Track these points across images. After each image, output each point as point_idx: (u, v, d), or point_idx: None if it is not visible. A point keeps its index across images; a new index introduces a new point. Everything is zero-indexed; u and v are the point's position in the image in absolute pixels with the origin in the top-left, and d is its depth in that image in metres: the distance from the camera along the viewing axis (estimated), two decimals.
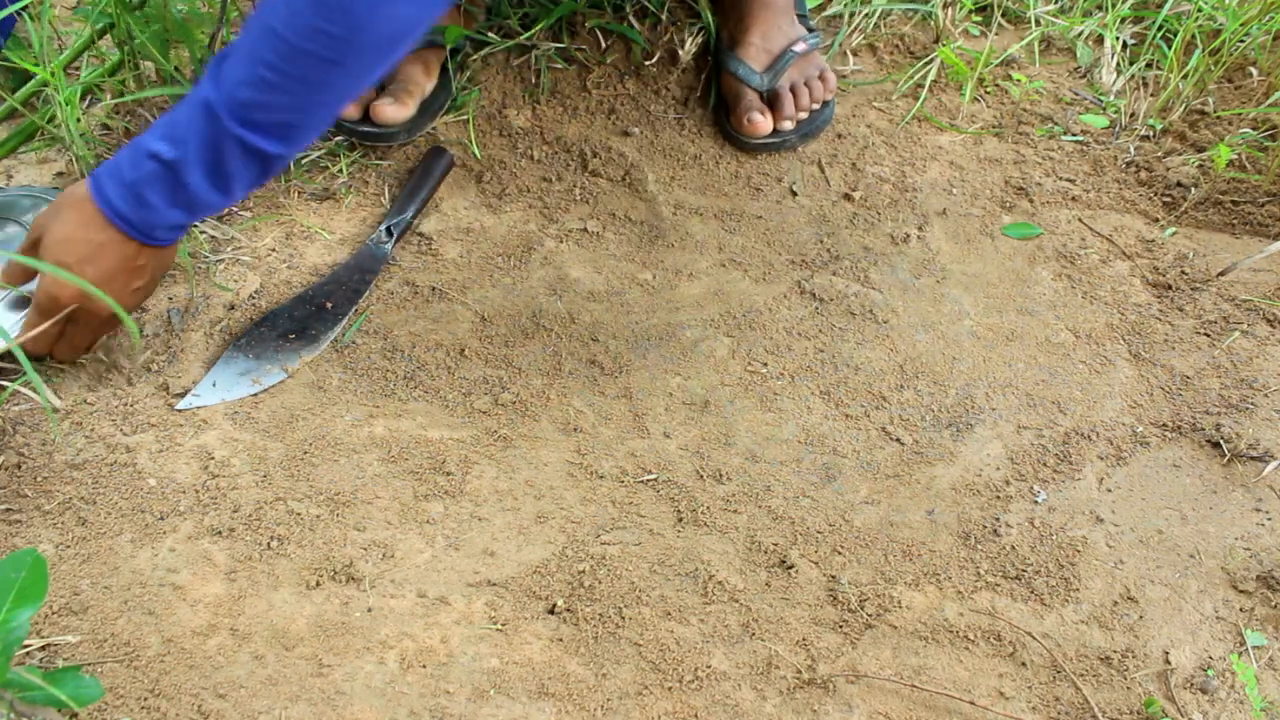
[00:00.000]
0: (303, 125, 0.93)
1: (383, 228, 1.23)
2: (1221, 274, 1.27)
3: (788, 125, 1.38)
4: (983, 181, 1.39)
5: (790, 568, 0.98)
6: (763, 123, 1.36)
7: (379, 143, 1.32)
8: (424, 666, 0.90)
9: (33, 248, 1.01)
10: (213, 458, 1.03)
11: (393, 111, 1.29)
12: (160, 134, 0.94)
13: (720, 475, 1.06)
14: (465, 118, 1.38)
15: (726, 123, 1.40)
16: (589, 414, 1.10)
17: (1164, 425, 1.12)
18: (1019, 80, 1.50)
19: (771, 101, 1.38)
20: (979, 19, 1.61)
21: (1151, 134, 1.46)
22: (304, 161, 1.32)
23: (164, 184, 0.95)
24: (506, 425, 1.08)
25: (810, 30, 1.44)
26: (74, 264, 0.97)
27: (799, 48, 1.39)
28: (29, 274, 1.05)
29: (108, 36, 1.32)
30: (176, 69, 1.37)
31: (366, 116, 1.31)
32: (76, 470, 1.01)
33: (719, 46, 1.44)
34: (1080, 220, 1.34)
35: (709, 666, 0.91)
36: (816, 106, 1.41)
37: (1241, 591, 0.99)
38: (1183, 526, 1.04)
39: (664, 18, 1.46)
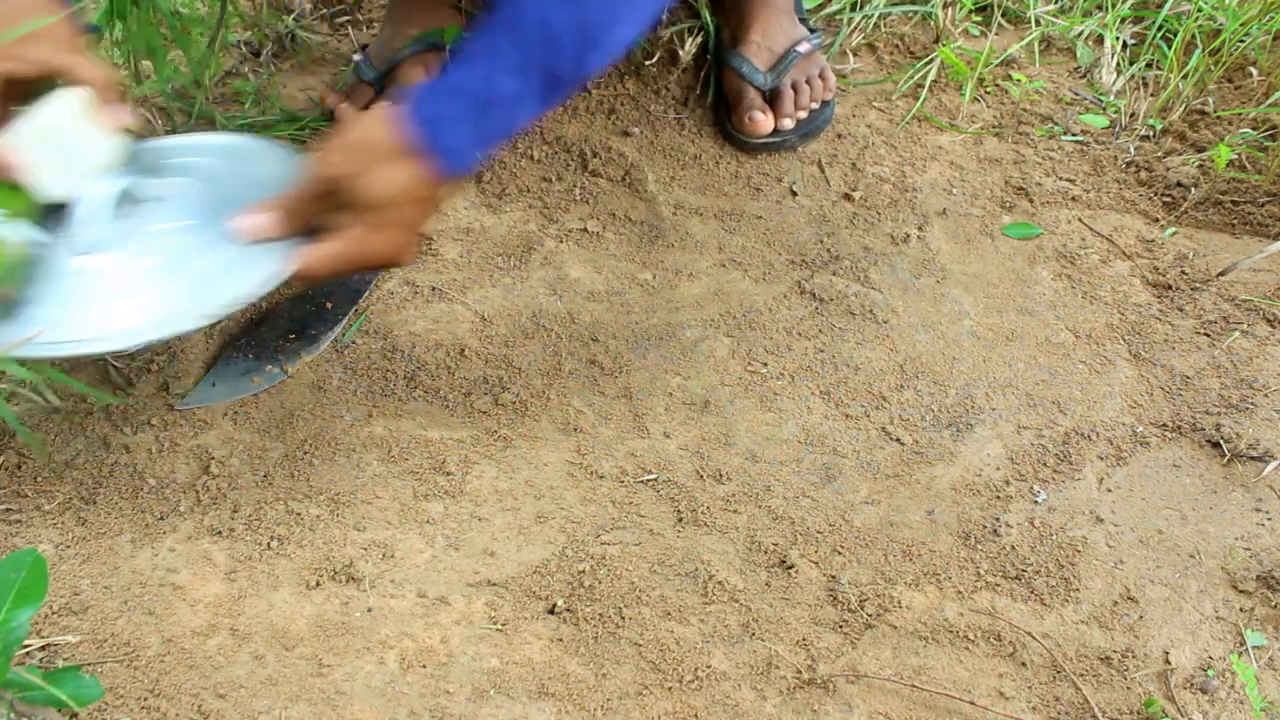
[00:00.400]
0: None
1: None
2: (1221, 274, 1.27)
3: (788, 124, 1.38)
4: (983, 181, 1.39)
5: (790, 568, 0.98)
6: (764, 121, 1.36)
7: None
8: (424, 666, 0.90)
9: (325, 196, 0.89)
10: (212, 457, 1.03)
11: None
12: (507, 70, 0.86)
13: (720, 475, 1.06)
14: None
15: (727, 122, 1.40)
16: (589, 414, 1.10)
17: (1164, 425, 1.12)
18: (1019, 80, 1.50)
19: (773, 100, 1.38)
20: (979, 19, 1.61)
21: (1151, 134, 1.46)
22: None
23: (505, 125, 0.90)
24: (506, 425, 1.08)
25: (811, 30, 1.44)
26: (414, 218, 0.90)
27: (803, 48, 1.39)
28: (304, 219, 0.91)
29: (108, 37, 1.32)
30: (176, 69, 1.37)
31: None
32: (76, 470, 1.01)
33: (720, 45, 1.44)
34: (1080, 220, 1.34)
35: (709, 666, 0.91)
36: (816, 106, 1.41)
37: (1241, 591, 0.99)
38: (1183, 526, 1.04)
39: (664, 17, 1.46)
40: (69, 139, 0.90)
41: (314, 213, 0.90)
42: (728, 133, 1.41)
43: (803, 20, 1.46)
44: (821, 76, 1.42)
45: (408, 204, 0.89)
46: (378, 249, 0.91)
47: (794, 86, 1.40)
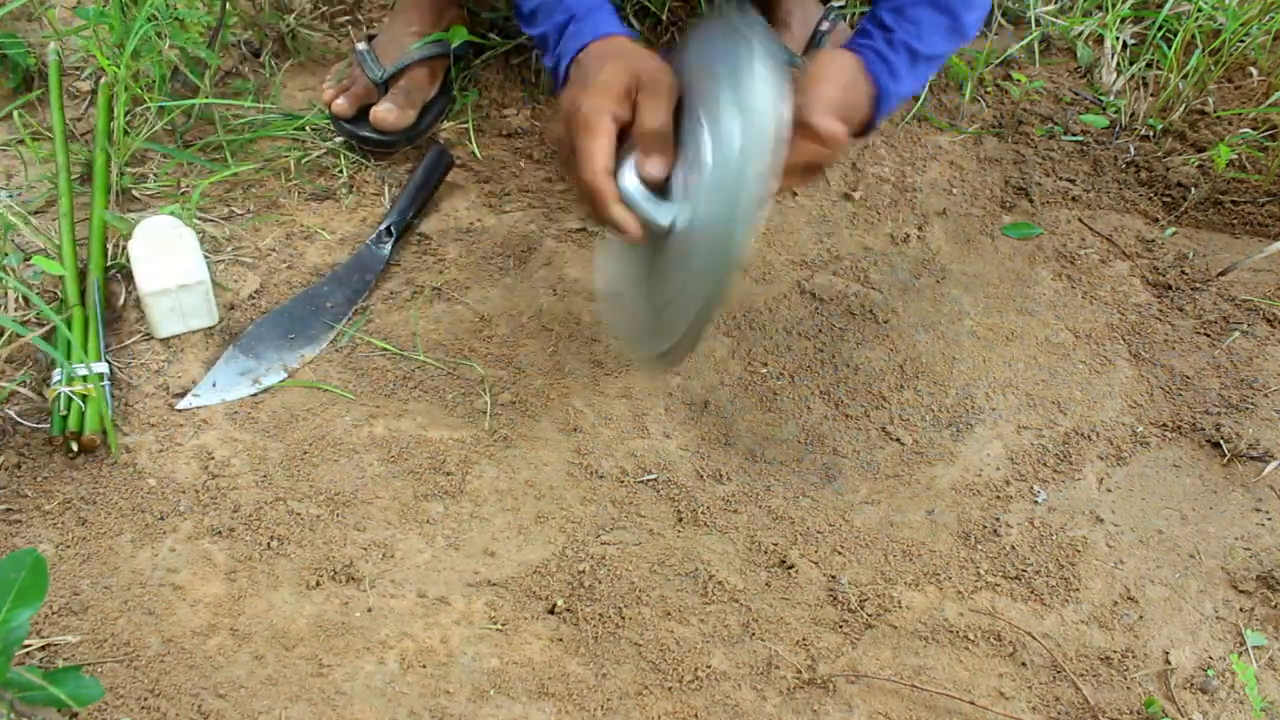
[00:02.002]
0: None
1: (383, 227, 1.23)
2: (1221, 274, 1.27)
3: None
4: (983, 181, 1.39)
5: (790, 568, 0.98)
6: None
7: (379, 149, 1.32)
8: (424, 666, 0.90)
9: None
10: (213, 458, 1.03)
11: (393, 118, 1.29)
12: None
13: (720, 475, 1.06)
14: (465, 118, 1.39)
15: None
16: (589, 414, 1.10)
17: (1164, 425, 1.12)
18: (1019, 80, 1.50)
19: None
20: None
21: (1151, 134, 1.46)
22: (304, 161, 1.32)
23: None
24: (506, 425, 1.08)
25: (826, 4, 1.44)
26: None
27: (824, 26, 1.39)
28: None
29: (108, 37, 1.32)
30: (176, 69, 1.37)
31: (367, 121, 1.31)
32: (76, 470, 1.01)
33: None
34: (1080, 220, 1.34)
35: (709, 666, 0.91)
36: None
37: (1241, 591, 0.99)
38: (1183, 526, 1.04)
39: (664, 17, 1.46)
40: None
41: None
42: None
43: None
44: None
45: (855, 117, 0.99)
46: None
47: None
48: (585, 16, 0.99)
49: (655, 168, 0.89)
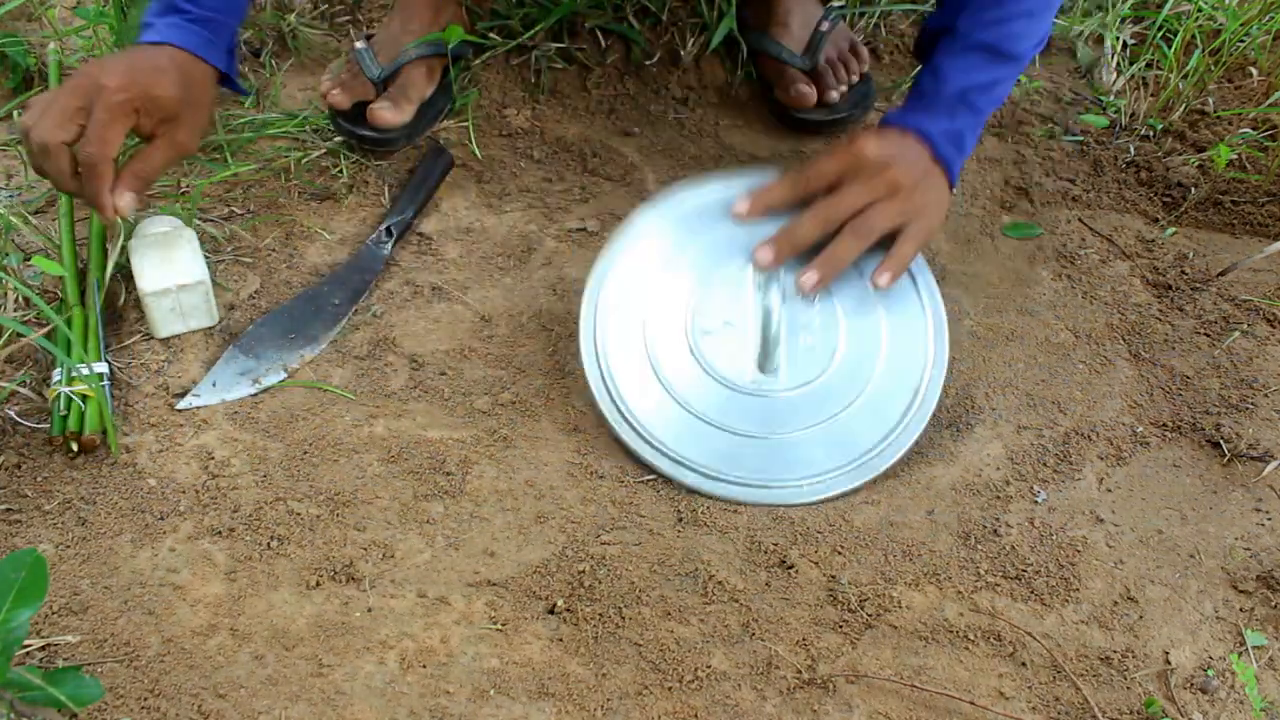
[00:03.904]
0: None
1: (383, 228, 1.23)
2: (1221, 274, 1.27)
3: (835, 96, 1.40)
4: (983, 181, 1.39)
5: (790, 568, 0.98)
6: (809, 92, 1.38)
7: (377, 147, 1.32)
8: (424, 666, 0.90)
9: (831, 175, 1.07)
10: (213, 458, 1.03)
11: (390, 115, 1.29)
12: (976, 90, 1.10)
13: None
14: (465, 118, 1.39)
15: (774, 104, 1.43)
16: (589, 414, 1.10)
17: (1164, 425, 1.12)
18: (1019, 80, 1.50)
19: (815, 78, 1.41)
20: None
21: (1151, 134, 1.46)
22: (304, 161, 1.32)
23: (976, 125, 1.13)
24: (506, 425, 1.08)
25: (825, 4, 1.45)
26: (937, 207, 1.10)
27: (824, 26, 1.40)
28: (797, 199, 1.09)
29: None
30: None
31: (365, 120, 1.31)
32: (76, 470, 1.01)
33: (746, 30, 1.44)
34: (1080, 220, 1.34)
35: (709, 666, 0.91)
36: (855, 79, 1.43)
37: (1241, 591, 0.99)
38: (1183, 526, 1.04)
39: (664, 18, 1.46)
40: None
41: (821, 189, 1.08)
42: (783, 116, 1.42)
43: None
44: (853, 51, 1.44)
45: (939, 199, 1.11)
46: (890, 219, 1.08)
47: (830, 63, 1.42)
48: (174, 14, 1.08)
49: None
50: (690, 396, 1.04)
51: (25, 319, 1.12)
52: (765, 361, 1.04)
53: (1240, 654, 0.94)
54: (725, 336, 1.05)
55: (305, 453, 1.04)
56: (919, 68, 1.19)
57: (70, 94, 1.01)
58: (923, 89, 1.12)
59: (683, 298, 1.08)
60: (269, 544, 0.97)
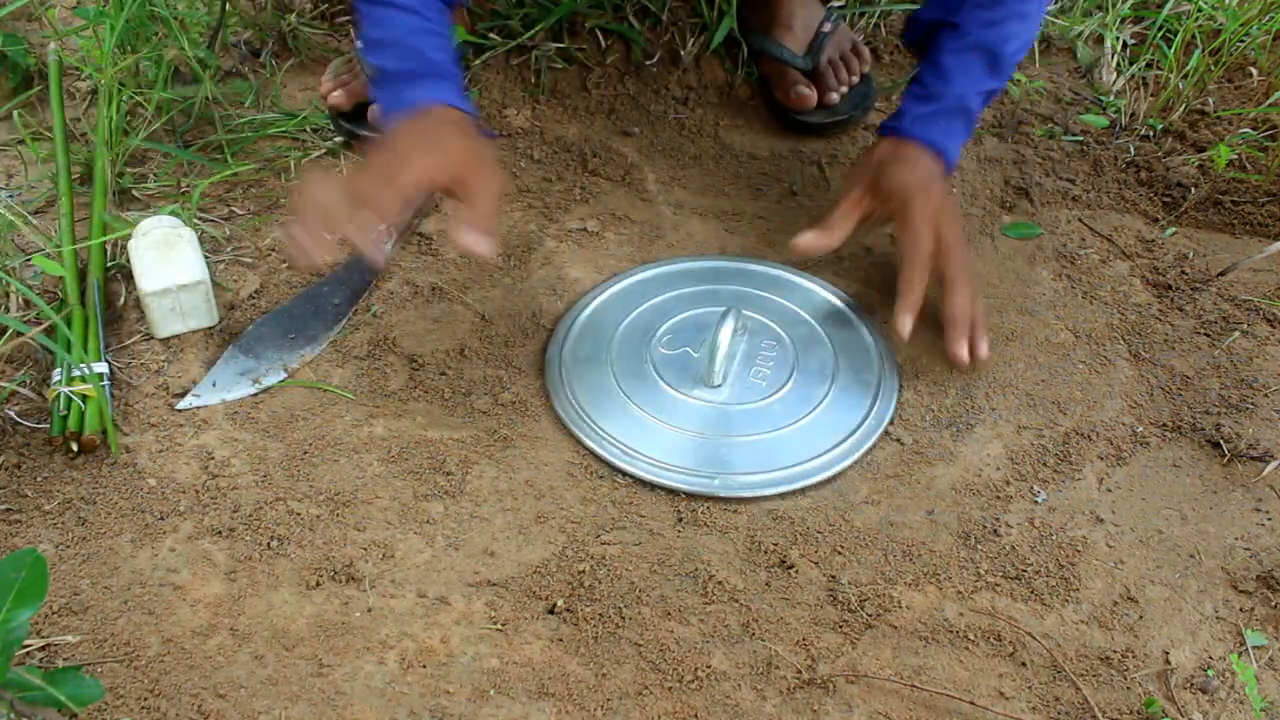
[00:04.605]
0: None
1: (383, 228, 1.23)
2: (1221, 274, 1.27)
3: (835, 97, 1.42)
4: (983, 181, 1.39)
5: (790, 568, 0.98)
6: (809, 94, 1.40)
7: None
8: (424, 666, 0.90)
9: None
10: (213, 458, 1.03)
11: None
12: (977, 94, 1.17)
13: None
14: None
15: (774, 105, 1.44)
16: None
17: (1164, 425, 1.12)
18: (1019, 80, 1.50)
19: (816, 79, 1.42)
20: None
21: (1151, 134, 1.46)
22: (304, 161, 1.32)
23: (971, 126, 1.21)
24: (506, 425, 1.08)
25: (826, 5, 1.46)
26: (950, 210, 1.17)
27: (826, 27, 1.41)
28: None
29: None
30: (177, 69, 1.37)
31: (365, 120, 1.31)
32: (76, 470, 1.01)
33: (747, 31, 1.44)
34: (1080, 220, 1.34)
35: (709, 666, 0.91)
36: (856, 79, 1.44)
37: (1241, 591, 0.99)
38: (1183, 526, 1.04)
39: (664, 18, 1.46)
40: None
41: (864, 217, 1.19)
42: (782, 116, 1.43)
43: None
44: (855, 51, 1.45)
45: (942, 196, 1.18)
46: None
47: (831, 63, 1.43)
48: (433, 75, 1.06)
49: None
50: (642, 397, 1.11)
51: (25, 319, 1.12)
52: (709, 376, 1.11)
53: (1240, 654, 0.94)
54: (683, 358, 1.15)
55: (305, 453, 1.04)
56: (919, 63, 1.20)
57: (381, 181, 1.00)
58: (930, 89, 1.17)
59: (657, 323, 1.18)
60: (269, 544, 0.97)
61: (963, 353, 1.13)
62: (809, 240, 1.16)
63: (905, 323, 1.13)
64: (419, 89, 1.05)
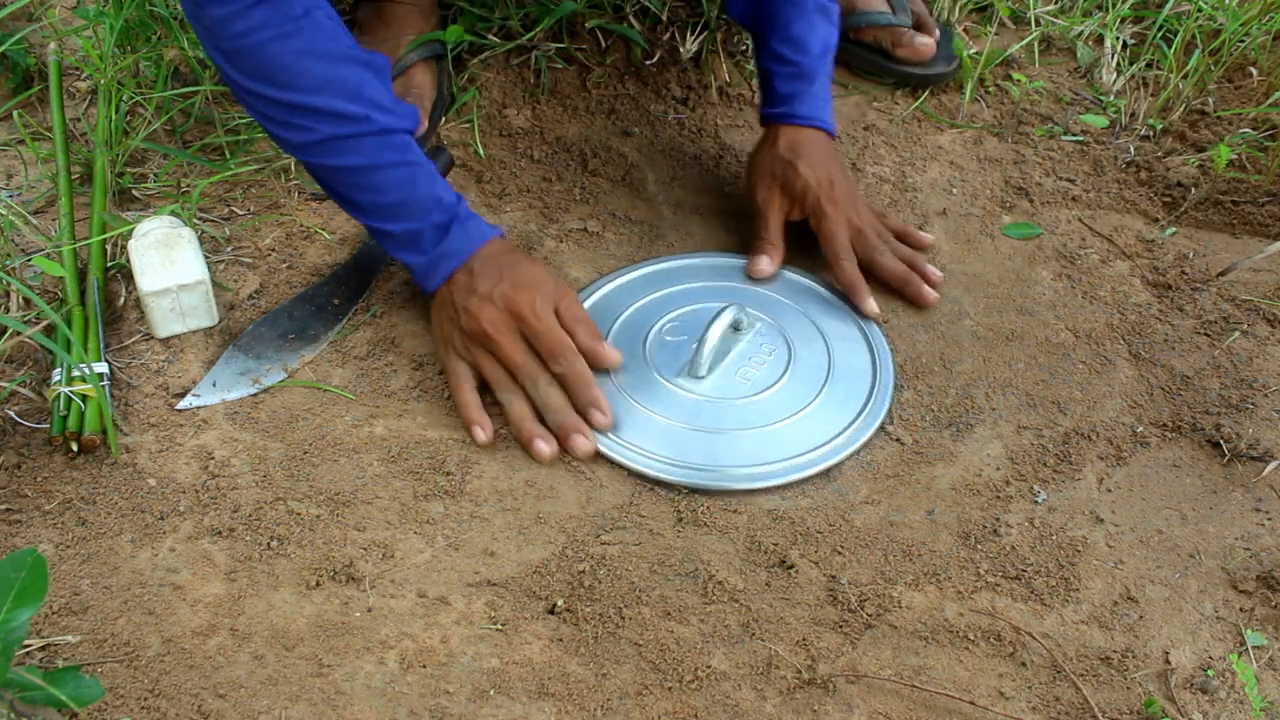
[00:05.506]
0: None
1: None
2: (1221, 274, 1.27)
3: (937, 35, 1.48)
4: (983, 181, 1.39)
5: (790, 568, 0.98)
6: (930, 41, 1.46)
7: None
8: (424, 666, 0.90)
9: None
10: (213, 458, 1.03)
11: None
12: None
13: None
14: (466, 118, 1.39)
15: (893, 66, 1.48)
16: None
17: (1164, 425, 1.12)
18: (1019, 80, 1.50)
19: (920, 28, 1.47)
20: (979, 19, 1.61)
21: (1151, 134, 1.46)
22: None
23: None
24: (507, 425, 1.08)
25: None
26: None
27: None
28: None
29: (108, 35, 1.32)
30: (177, 69, 1.37)
31: None
32: (76, 470, 1.01)
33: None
34: (1080, 220, 1.34)
35: (709, 666, 0.91)
36: (938, 33, 1.50)
37: (1241, 591, 0.99)
38: (1183, 526, 1.04)
39: (664, 18, 1.46)
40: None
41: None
42: (898, 73, 1.48)
43: None
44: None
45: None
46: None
47: (917, 12, 1.49)
48: (459, 216, 1.08)
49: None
50: (632, 383, 1.12)
51: (25, 319, 1.12)
52: (695, 366, 1.12)
53: (1240, 654, 0.94)
54: (676, 346, 1.15)
55: (305, 453, 1.04)
56: (760, 35, 1.24)
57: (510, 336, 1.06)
58: (796, 65, 1.21)
59: (659, 311, 1.19)
60: (269, 544, 0.97)
61: (873, 308, 1.19)
62: (766, 265, 1.22)
63: (870, 305, 1.19)
64: (459, 237, 1.07)
